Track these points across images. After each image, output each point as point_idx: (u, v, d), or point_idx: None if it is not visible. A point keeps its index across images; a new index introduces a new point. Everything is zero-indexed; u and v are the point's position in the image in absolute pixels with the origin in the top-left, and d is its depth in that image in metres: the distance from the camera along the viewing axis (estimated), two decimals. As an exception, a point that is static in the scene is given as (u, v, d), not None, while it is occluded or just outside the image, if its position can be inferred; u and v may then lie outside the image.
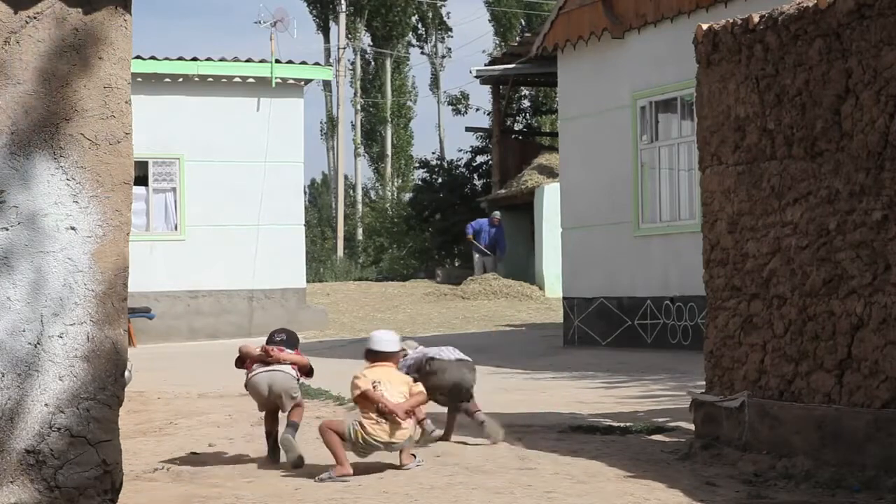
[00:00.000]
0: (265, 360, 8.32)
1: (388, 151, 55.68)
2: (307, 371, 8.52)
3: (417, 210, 36.19)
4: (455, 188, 34.72)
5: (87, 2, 5.97)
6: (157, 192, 21.83)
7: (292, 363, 8.36)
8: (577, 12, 18.25)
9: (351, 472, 7.47)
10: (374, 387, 7.67)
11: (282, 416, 8.39)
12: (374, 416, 7.63)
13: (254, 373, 8.30)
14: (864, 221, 6.83)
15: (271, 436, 8.39)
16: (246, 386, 8.45)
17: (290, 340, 8.57)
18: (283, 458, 8.10)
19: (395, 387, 7.77)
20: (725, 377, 7.85)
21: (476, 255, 28.89)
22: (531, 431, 9.13)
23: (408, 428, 7.71)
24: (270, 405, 8.35)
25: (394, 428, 7.63)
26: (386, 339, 8.07)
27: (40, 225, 5.81)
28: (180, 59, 21.91)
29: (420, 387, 7.94)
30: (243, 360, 8.52)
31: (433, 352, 8.93)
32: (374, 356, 7.98)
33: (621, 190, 17.49)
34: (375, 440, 7.63)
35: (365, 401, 7.69)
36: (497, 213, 28.43)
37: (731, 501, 6.59)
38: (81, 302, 5.79)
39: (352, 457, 7.66)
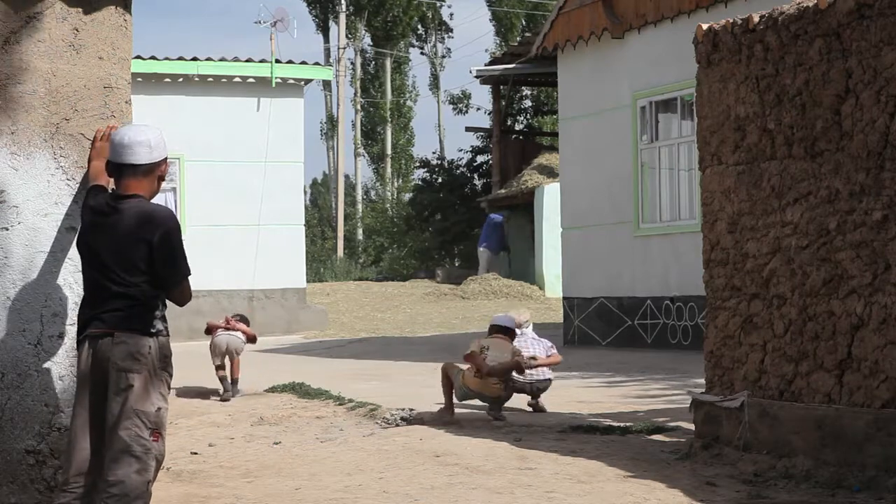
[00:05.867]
0: (226, 327, 12.40)
1: (388, 151, 55.68)
2: (252, 339, 12.67)
3: (417, 210, 36.19)
4: (455, 188, 34.72)
5: (87, 2, 5.97)
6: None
7: (243, 331, 12.46)
8: (577, 12, 18.25)
9: (450, 416, 9.71)
10: (481, 350, 9.91)
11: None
12: (473, 371, 9.86)
13: (217, 335, 12.30)
14: (864, 221, 6.83)
15: (225, 379, 12.06)
16: (210, 343, 12.30)
17: (244, 319, 12.85)
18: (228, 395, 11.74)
19: (499, 353, 9.91)
20: (725, 377, 7.85)
21: (481, 250, 28.89)
22: (531, 431, 9.12)
23: (497, 387, 9.80)
24: (224, 357, 12.19)
25: (485, 383, 9.80)
26: (502, 317, 10.50)
27: (40, 225, 5.81)
28: (180, 59, 21.88)
29: (517, 357, 9.95)
30: (210, 330, 12.50)
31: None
32: (493, 329, 10.25)
33: (621, 190, 17.49)
34: (469, 388, 9.83)
35: (470, 359, 9.93)
36: (505, 213, 28.53)
37: (731, 501, 6.59)
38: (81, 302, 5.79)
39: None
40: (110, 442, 5.10)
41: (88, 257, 5.28)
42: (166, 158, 5.40)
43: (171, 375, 5.29)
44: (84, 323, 5.30)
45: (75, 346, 5.71)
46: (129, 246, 5.16)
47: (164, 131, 5.54)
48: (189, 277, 5.28)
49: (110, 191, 5.40)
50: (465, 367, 10.05)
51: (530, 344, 10.64)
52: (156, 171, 5.33)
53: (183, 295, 5.27)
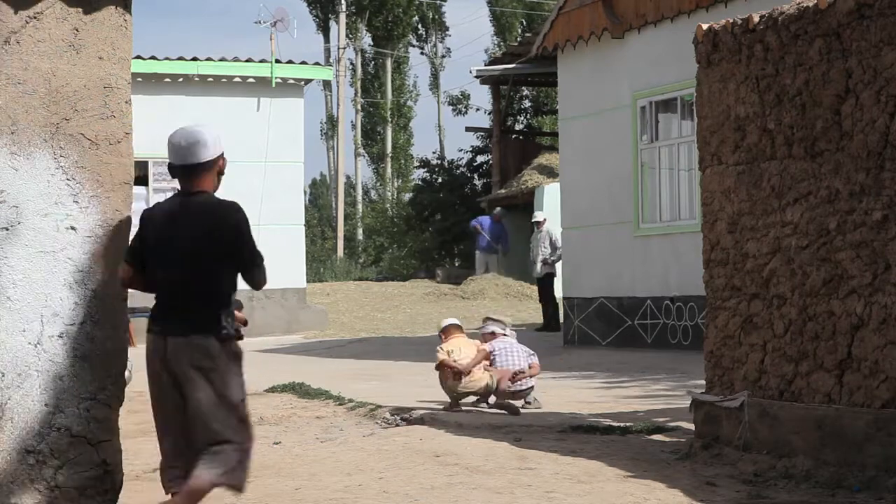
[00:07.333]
0: None
1: (388, 151, 55.69)
2: (244, 321, 12.76)
3: (417, 210, 36.18)
4: (455, 188, 34.70)
5: (87, 2, 5.97)
6: (157, 192, 21.77)
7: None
8: (577, 12, 18.25)
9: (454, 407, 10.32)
10: (448, 354, 10.23)
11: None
12: (451, 375, 10.21)
13: None
14: (864, 221, 6.83)
15: None
16: None
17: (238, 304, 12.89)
18: None
19: (465, 350, 10.30)
20: (725, 377, 7.85)
21: (478, 253, 28.87)
22: (531, 431, 9.13)
23: (482, 377, 10.18)
24: None
25: (468, 382, 10.19)
26: (449, 319, 10.93)
27: (40, 225, 5.81)
28: (180, 59, 21.88)
29: (485, 347, 10.37)
30: None
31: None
32: (445, 332, 10.58)
33: (621, 190, 17.49)
34: (458, 391, 10.24)
35: (443, 367, 10.24)
36: (498, 210, 28.45)
37: (731, 501, 6.59)
38: (81, 302, 5.79)
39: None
40: (202, 434, 5.49)
41: (160, 259, 5.50)
42: (223, 154, 5.72)
43: (242, 373, 5.68)
44: (155, 322, 5.56)
45: (75, 345, 5.73)
46: (203, 240, 5.50)
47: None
48: (264, 262, 5.69)
49: (175, 193, 5.72)
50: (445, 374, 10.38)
51: (515, 350, 10.72)
52: (214, 168, 5.68)
53: (263, 276, 5.71)
